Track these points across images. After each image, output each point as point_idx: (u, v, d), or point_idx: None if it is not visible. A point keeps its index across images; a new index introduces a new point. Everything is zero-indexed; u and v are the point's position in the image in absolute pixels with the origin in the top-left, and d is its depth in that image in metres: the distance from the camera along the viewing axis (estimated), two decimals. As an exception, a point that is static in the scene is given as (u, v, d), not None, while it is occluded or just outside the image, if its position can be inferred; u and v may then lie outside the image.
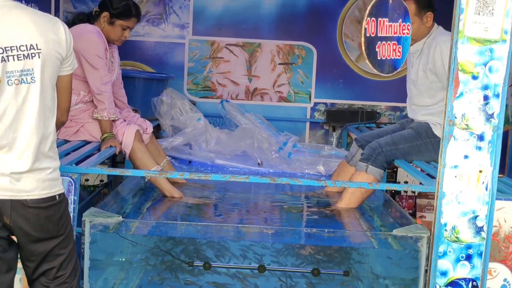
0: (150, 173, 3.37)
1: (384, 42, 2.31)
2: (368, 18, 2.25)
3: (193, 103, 5.54)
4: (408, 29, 2.38)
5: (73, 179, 2.73)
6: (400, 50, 2.27)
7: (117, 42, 3.90)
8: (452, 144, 2.23)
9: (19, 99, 2.16)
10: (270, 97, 5.81)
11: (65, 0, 5.60)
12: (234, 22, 5.72)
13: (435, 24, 3.68)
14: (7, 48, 2.14)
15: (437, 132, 3.58)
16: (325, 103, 5.81)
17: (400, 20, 2.26)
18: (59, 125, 2.43)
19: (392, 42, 2.28)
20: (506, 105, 4.77)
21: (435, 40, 3.58)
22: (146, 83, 5.07)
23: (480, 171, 2.26)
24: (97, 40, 3.67)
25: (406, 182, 5.09)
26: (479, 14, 2.15)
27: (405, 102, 3.98)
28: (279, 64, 5.78)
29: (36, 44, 2.18)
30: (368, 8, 2.26)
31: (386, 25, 2.30)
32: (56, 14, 5.44)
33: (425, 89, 3.69)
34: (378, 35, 2.29)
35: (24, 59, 2.15)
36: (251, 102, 5.78)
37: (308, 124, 5.82)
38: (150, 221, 3.24)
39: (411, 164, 3.68)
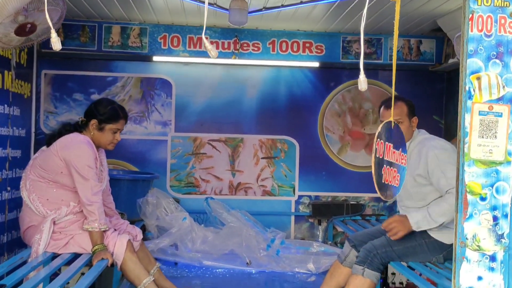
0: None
1: (388, 166, 2.34)
2: (378, 140, 2.29)
3: (177, 200, 5.48)
4: (405, 159, 2.42)
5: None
6: (399, 178, 2.30)
7: (110, 146, 3.82)
8: (465, 266, 2.23)
9: None
10: (254, 191, 5.79)
11: (46, 100, 5.58)
12: (216, 118, 5.78)
13: (416, 129, 3.78)
14: None
15: (431, 232, 3.59)
16: (309, 196, 5.81)
17: (401, 149, 2.31)
18: None
19: (393, 168, 2.32)
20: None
21: (425, 146, 3.63)
22: (131, 184, 5.00)
23: (494, 292, 2.25)
24: (88, 150, 3.62)
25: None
26: (482, 137, 2.21)
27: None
28: (262, 158, 5.81)
29: None
30: (378, 129, 2.30)
31: (391, 151, 2.33)
32: (37, 114, 5.41)
33: (415, 192, 3.72)
34: (385, 159, 2.32)
35: None
36: (235, 197, 5.75)
37: (293, 218, 5.79)
38: None
39: (407, 266, 3.66)
